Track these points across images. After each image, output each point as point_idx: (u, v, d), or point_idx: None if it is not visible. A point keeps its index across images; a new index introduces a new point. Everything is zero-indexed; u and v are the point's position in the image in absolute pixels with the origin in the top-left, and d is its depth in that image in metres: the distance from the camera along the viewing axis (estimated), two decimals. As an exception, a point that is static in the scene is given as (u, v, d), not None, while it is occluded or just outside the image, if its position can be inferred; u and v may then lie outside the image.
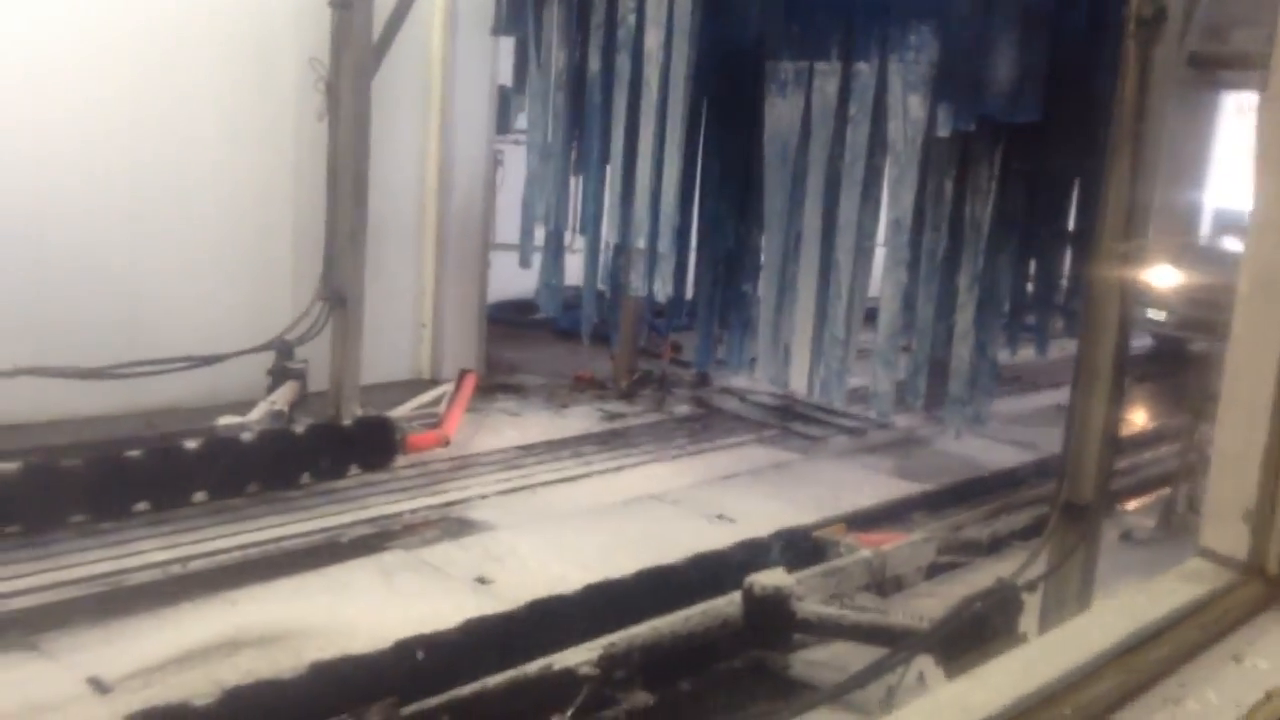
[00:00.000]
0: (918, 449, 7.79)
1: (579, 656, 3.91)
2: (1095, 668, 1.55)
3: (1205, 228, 15.20)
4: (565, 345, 9.95)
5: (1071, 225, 6.00)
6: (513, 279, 9.28)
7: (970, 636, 4.04)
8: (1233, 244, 12.56)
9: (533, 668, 3.85)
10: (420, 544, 5.50)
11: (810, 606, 4.40)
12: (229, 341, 6.68)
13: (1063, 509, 4.28)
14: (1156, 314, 11.33)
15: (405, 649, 4.06)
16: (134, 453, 5.44)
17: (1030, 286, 6.08)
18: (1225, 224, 13.88)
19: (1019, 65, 5.11)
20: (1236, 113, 15.55)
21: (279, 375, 6.69)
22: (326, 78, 6.63)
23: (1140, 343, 11.33)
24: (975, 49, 5.19)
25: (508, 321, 10.32)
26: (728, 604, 4.46)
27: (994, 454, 7.56)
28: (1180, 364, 9.89)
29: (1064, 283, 6.18)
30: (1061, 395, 9.70)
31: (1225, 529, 2.05)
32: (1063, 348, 6.96)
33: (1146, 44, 3.96)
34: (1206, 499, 2.30)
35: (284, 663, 4.15)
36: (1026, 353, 6.99)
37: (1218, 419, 2.06)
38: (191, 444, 5.61)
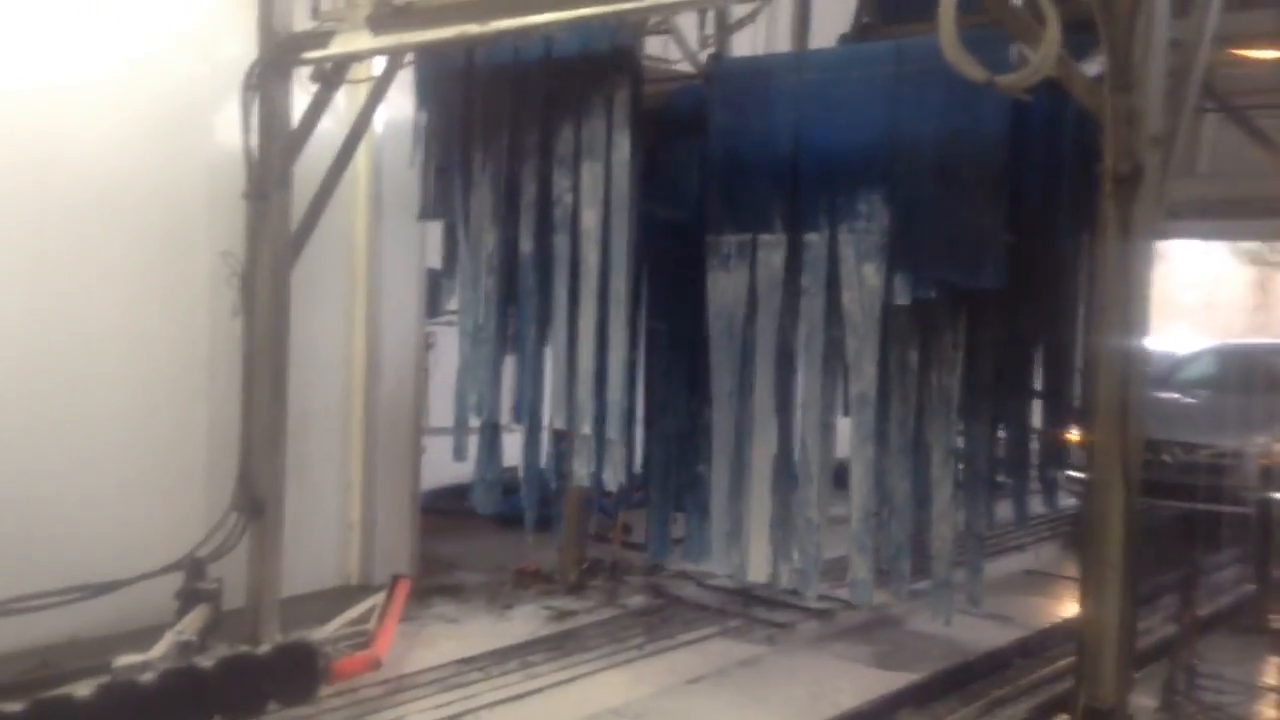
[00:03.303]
0: (892, 631, 7.26)
1: None
2: None
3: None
4: (506, 534, 9.31)
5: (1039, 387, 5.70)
6: (447, 465, 8.72)
7: None
8: (1164, 394, 12.18)
9: None
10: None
11: None
12: (139, 560, 6.03)
13: (1084, 717, 3.80)
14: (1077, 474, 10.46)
15: None
16: (11, 706, 4.70)
17: (1002, 451, 5.72)
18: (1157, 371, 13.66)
19: (977, 230, 4.87)
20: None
21: (188, 598, 5.99)
22: (241, 271, 6.21)
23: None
24: (930, 215, 4.95)
25: (443, 510, 9.69)
26: None
27: (972, 631, 7.02)
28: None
29: (1035, 446, 5.84)
30: (1027, 559, 9.36)
31: None
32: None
33: (1126, 201, 3.71)
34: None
35: None
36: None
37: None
38: (83, 691, 4.89)
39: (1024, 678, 6.32)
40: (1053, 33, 3.75)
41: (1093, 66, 4.25)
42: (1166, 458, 9.59)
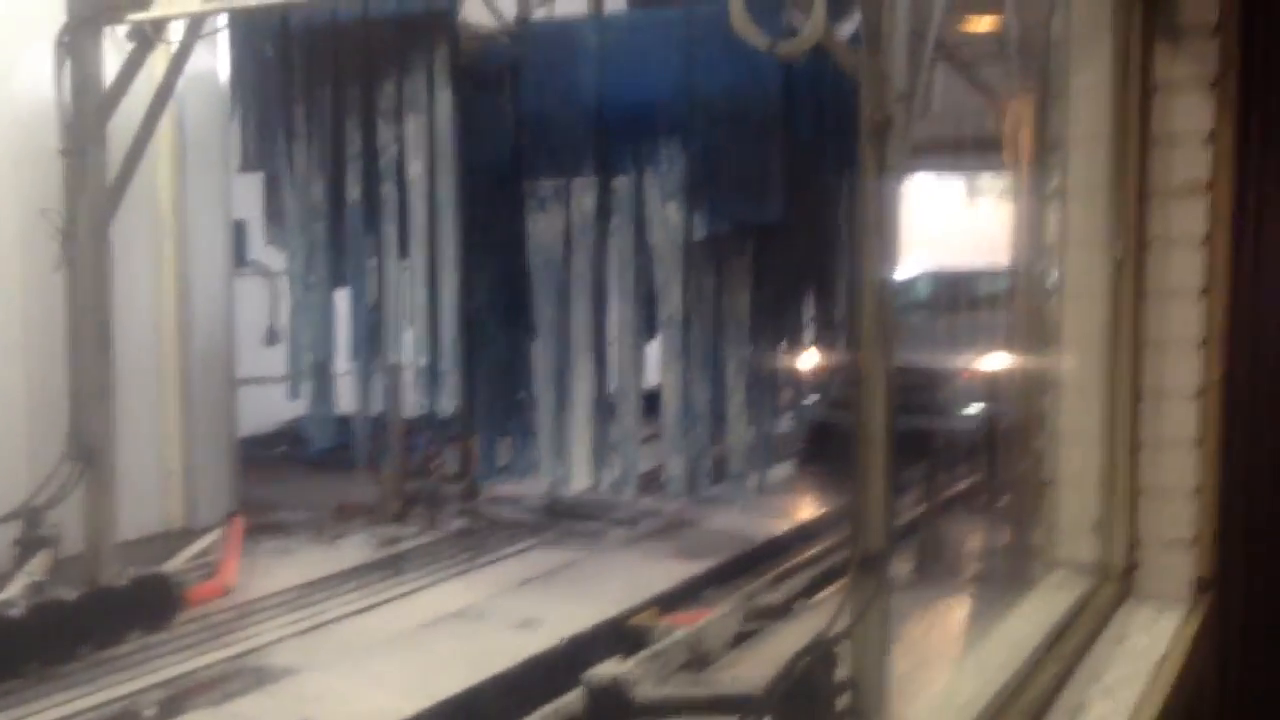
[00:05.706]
0: (690, 530, 8.18)
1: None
2: (1034, 662, 1.86)
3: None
4: (318, 477, 9.68)
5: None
6: (252, 413, 9.01)
7: (799, 693, 4.36)
8: None
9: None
10: (225, 699, 5.22)
11: (648, 691, 4.58)
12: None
13: (859, 563, 4.73)
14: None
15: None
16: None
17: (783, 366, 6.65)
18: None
19: (759, 172, 5.71)
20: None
21: (28, 545, 6.16)
22: (62, 226, 6.32)
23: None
24: (720, 159, 5.75)
25: (253, 459, 9.90)
26: (570, 702, 4.57)
27: (757, 526, 8.06)
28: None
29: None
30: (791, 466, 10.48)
31: (1077, 541, 2.46)
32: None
33: (879, 146, 4.58)
34: (1057, 519, 2.74)
35: None
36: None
37: (1060, 453, 2.49)
38: (-48, 630, 5.09)
39: (800, 556, 7.36)
40: (820, 6, 4.55)
41: (845, 27, 5.12)
42: None
